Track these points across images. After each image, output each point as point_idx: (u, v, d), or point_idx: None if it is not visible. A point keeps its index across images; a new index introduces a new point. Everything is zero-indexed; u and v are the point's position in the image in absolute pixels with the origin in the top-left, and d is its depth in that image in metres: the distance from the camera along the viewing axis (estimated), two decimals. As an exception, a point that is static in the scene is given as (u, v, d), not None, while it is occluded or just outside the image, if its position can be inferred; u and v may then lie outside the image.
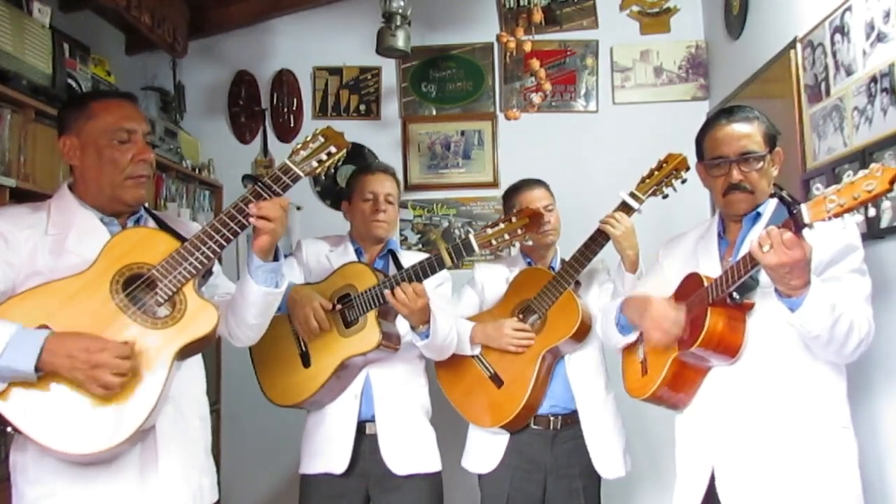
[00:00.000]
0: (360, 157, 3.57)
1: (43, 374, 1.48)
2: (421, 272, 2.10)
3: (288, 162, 1.72)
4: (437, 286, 2.36)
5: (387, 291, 2.10)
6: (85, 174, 1.71)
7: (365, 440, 2.27)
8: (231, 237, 1.66)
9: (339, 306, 2.21)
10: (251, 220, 1.66)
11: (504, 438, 2.39)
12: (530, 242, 2.44)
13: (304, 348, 2.24)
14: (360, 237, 2.44)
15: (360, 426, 2.27)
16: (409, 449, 2.29)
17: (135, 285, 1.61)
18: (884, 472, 2.02)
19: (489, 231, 2.06)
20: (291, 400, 2.26)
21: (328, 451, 2.27)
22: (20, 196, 2.15)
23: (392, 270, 2.35)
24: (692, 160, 1.99)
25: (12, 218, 1.67)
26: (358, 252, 2.42)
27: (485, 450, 2.42)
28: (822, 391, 1.74)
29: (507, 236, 2.04)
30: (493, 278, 2.55)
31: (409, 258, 2.38)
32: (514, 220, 2.05)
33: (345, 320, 2.21)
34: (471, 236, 2.05)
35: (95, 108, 1.71)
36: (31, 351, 1.46)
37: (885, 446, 2.03)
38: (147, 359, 1.56)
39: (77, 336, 1.51)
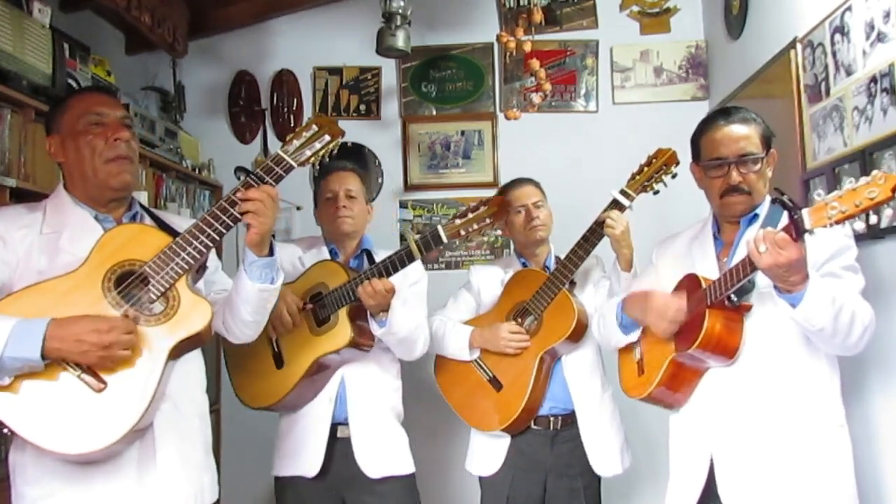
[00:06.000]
0: (360, 157, 3.57)
1: (49, 361, 1.48)
2: (391, 266, 2.08)
3: (280, 152, 1.71)
4: (413, 284, 2.35)
5: (359, 288, 2.07)
6: (70, 168, 1.73)
7: (338, 443, 2.25)
8: (223, 231, 1.65)
9: (309, 305, 2.19)
10: (239, 210, 1.65)
11: (506, 441, 2.38)
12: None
13: (277, 349, 2.21)
14: (332, 238, 2.42)
15: (333, 429, 2.25)
16: (383, 452, 2.27)
17: (127, 282, 1.60)
18: (878, 469, 2.02)
19: (457, 221, 2.03)
20: (264, 402, 2.24)
21: (301, 455, 2.25)
22: (20, 196, 2.15)
23: None
24: (690, 161, 1.99)
25: (8, 218, 1.68)
26: (332, 253, 2.40)
27: (487, 452, 2.41)
28: (818, 391, 1.75)
29: (475, 226, 2.01)
30: (489, 280, 2.54)
31: (385, 256, 2.38)
32: (481, 209, 2.02)
33: (317, 319, 2.19)
34: (439, 227, 2.03)
35: (70, 102, 1.76)
36: (35, 339, 1.46)
37: (880, 444, 2.03)
38: (141, 356, 1.55)
39: (81, 319, 1.51)
